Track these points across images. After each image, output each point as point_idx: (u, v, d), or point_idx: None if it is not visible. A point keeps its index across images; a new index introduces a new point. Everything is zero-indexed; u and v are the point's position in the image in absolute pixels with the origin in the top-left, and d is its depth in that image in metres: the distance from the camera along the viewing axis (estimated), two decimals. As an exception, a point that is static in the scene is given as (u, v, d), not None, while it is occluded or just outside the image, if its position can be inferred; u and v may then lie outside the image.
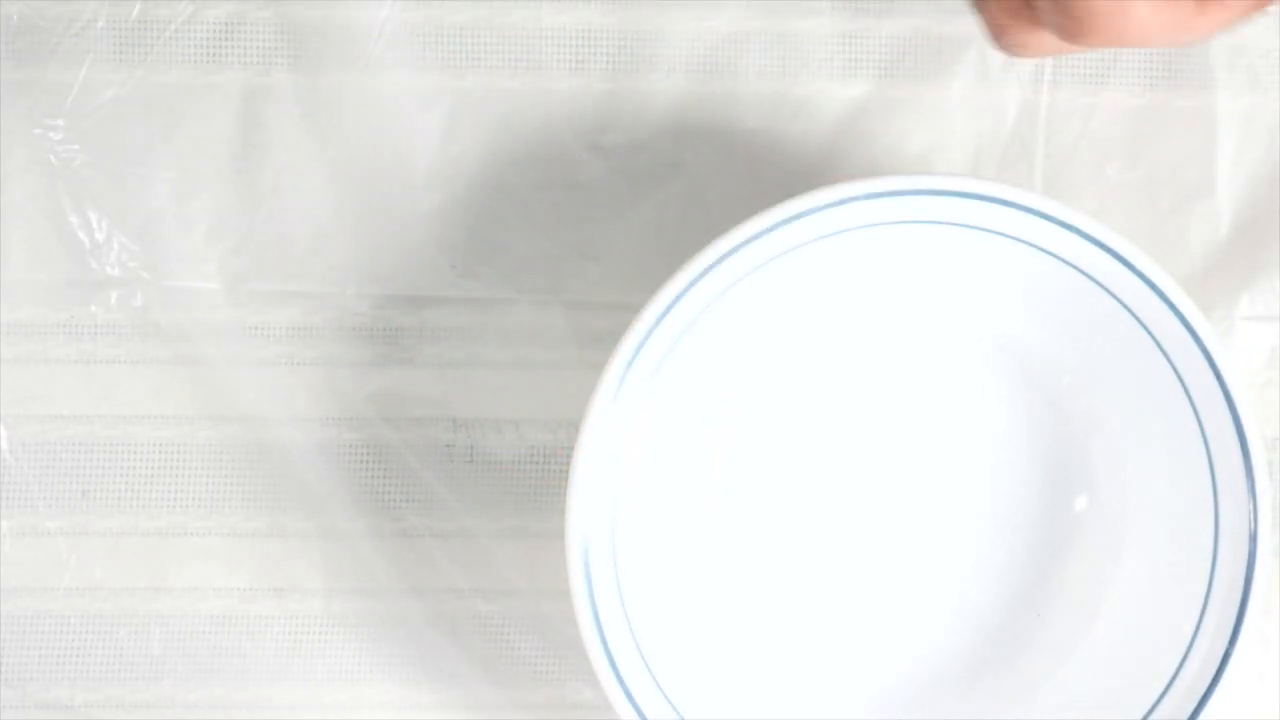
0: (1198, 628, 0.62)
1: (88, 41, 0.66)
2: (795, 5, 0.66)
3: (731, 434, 0.65)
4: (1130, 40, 0.50)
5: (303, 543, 0.67)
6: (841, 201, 0.61)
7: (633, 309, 0.62)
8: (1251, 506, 0.61)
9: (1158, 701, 0.62)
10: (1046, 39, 0.52)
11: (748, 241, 0.61)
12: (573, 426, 0.65)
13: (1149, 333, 0.62)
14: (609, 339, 0.63)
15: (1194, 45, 0.54)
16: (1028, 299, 0.63)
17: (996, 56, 0.66)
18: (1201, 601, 0.62)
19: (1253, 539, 0.61)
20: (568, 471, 0.61)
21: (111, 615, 0.66)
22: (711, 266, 0.61)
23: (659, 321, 0.61)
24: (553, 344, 0.66)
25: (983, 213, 0.61)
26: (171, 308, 0.66)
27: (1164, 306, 0.61)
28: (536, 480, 0.66)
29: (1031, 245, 0.62)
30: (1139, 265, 0.61)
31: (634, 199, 0.66)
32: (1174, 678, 0.62)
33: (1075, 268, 0.62)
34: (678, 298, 0.61)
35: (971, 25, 0.66)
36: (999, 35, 0.52)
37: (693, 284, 0.61)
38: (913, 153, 0.66)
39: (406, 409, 0.66)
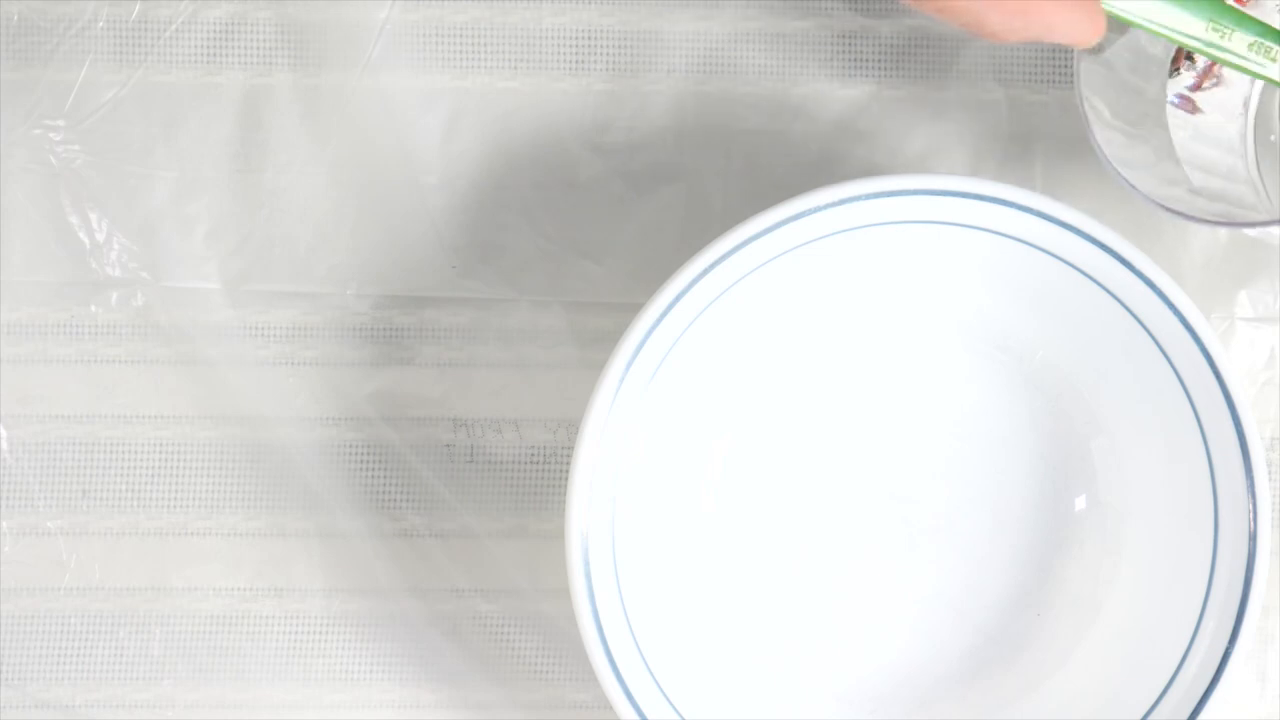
0: (1198, 628, 0.62)
1: (88, 41, 0.66)
2: (795, 5, 0.66)
3: (731, 434, 0.65)
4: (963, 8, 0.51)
5: (303, 543, 0.67)
6: (841, 201, 0.61)
7: (633, 309, 0.62)
8: (1251, 506, 0.61)
9: (1158, 701, 0.62)
10: None
11: (748, 241, 0.61)
12: (573, 426, 0.65)
13: (1149, 333, 0.62)
14: (609, 339, 0.63)
15: (996, 38, 0.53)
16: (1028, 299, 0.63)
17: (997, 56, 0.66)
18: (1201, 601, 0.62)
19: (1252, 539, 0.61)
20: (568, 471, 0.61)
21: (111, 615, 0.67)
22: (711, 266, 0.61)
23: (659, 321, 0.61)
24: (553, 344, 0.66)
25: (983, 213, 0.61)
26: (171, 308, 0.66)
27: (1164, 306, 0.61)
28: (536, 480, 0.66)
29: (1031, 245, 0.62)
30: (1139, 265, 0.61)
31: (634, 199, 0.66)
32: (1174, 678, 0.62)
33: (1075, 268, 0.62)
34: (678, 298, 0.61)
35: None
36: None
37: (693, 284, 0.61)
38: (913, 153, 0.66)
39: (406, 409, 0.66)
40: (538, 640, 0.66)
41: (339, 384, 0.66)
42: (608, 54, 0.66)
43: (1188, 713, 0.61)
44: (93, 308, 0.66)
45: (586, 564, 0.61)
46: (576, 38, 0.66)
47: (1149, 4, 0.57)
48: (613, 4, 0.66)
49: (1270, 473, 0.64)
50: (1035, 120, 0.66)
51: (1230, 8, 0.58)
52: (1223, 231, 0.66)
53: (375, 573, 0.66)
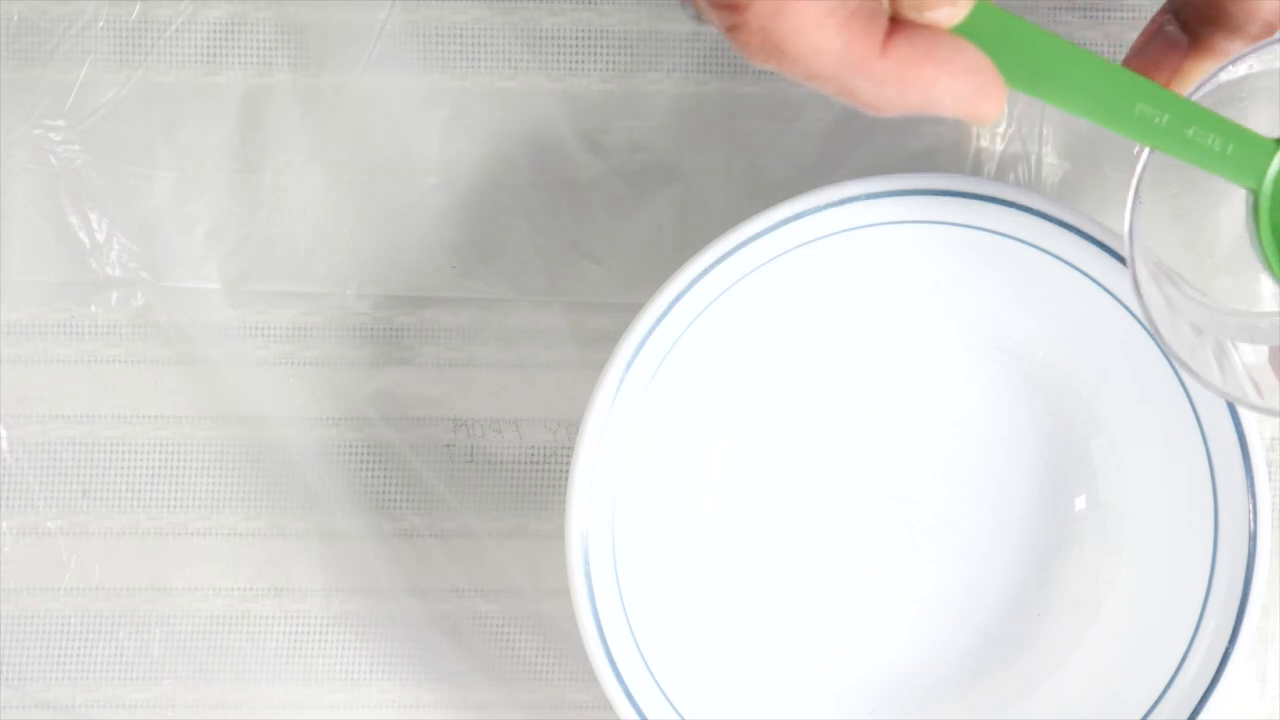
0: (1198, 628, 0.62)
1: (88, 41, 0.66)
2: (795, 5, 0.66)
3: (731, 434, 0.65)
4: (793, 53, 0.44)
5: (303, 543, 0.67)
6: (841, 201, 0.61)
7: (633, 309, 0.62)
8: (1251, 506, 0.61)
9: (1158, 701, 0.62)
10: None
11: (748, 241, 0.61)
12: (573, 426, 0.65)
13: (1149, 333, 0.62)
14: (609, 339, 0.63)
15: (873, 109, 0.46)
16: (1028, 299, 0.63)
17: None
18: (1201, 601, 0.62)
19: (1253, 539, 0.61)
20: (568, 471, 0.61)
21: (111, 615, 0.67)
22: (711, 266, 0.61)
23: (659, 321, 0.61)
24: (553, 344, 0.66)
25: (983, 213, 0.61)
26: (171, 308, 0.66)
27: (1164, 306, 0.61)
28: (536, 480, 0.66)
29: (1031, 245, 0.62)
30: (1139, 265, 0.61)
31: (634, 199, 0.66)
32: (1174, 678, 0.62)
33: (1075, 268, 0.62)
34: (678, 298, 0.61)
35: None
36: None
37: (693, 284, 0.61)
38: (913, 153, 0.66)
39: (406, 409, 0.66)
40: (538, 640, 0.66)
41: (339, 384, 0.66)
42: (608, 54, 0.66)
43: (1188, 713, 0.61)
44: (93, 308, 0.66)
45: (586, 564, 0.61)
46: (576, 38, 0.66)
47: (1063, 77, 0.49)
48: (613, 4, 0.66)
49: (1270, 473, 0.64)
50: (1035, 120, 0.66)
51: (1162, 90, 0.50)
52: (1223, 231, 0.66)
53: (375, 573, 0.66)
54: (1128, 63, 0.57)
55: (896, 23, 0.45)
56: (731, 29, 0.44)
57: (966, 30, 0.46)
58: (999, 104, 0.47)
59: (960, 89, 0.46)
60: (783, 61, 0.44)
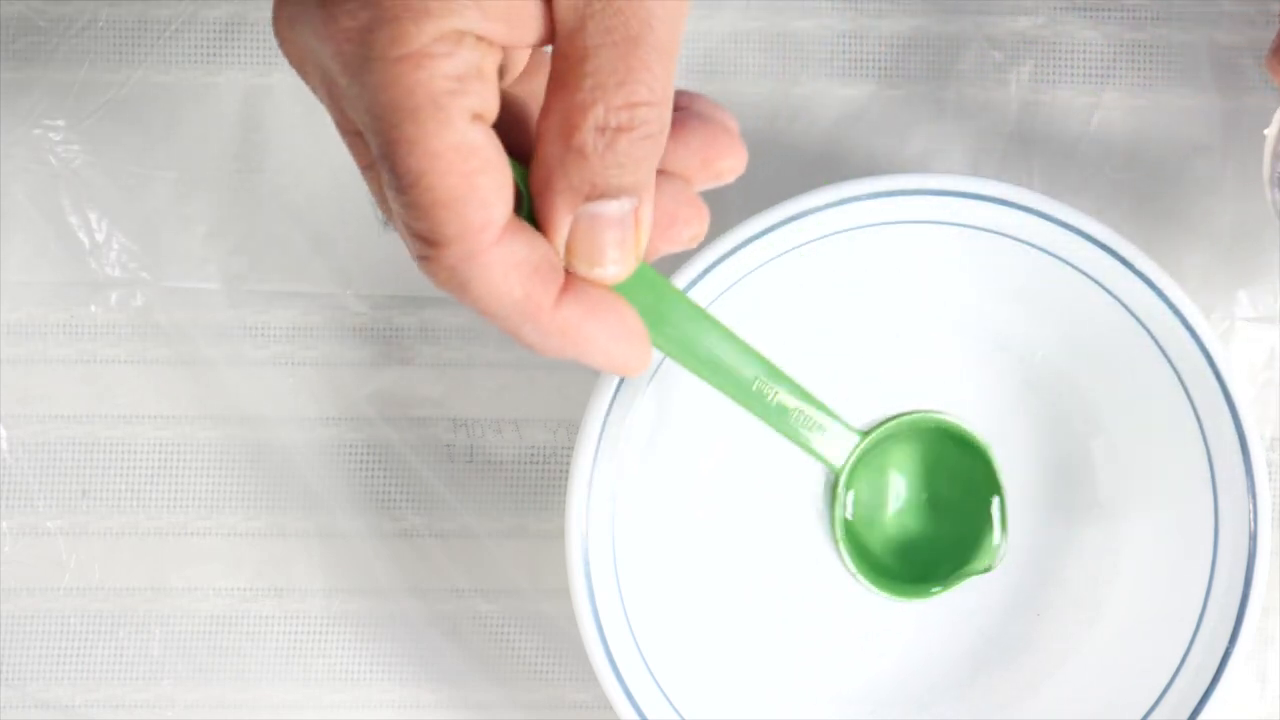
0: (1198, 628, 0.62)
1: (88, 41, 0.66)
2: (795, 5, 0.66)
3: (732, 433, 0.65)
4: (474, 294, 0.47)
5: (303, 543, 0.67)
6: (841, 201, 0.61)
7: (633, 309, 0.62)
8: (1251, 506, 0.61)
9: (1158, 701, 0.62)
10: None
11: (748, 241, 0.61)
12: (573, 426, 0.65)
13: (1149, 332, 0.62)
14: (609, 339, 0.63)
15: (535, 351, 0.49)
16: (1028, 299, 0.63)
17: (996, 56, 0.66)
18: (1201, 601, 0.62)
19: (1253, 539, 0.61)
20: (568, 471, 0.61)
21: (111, 615, 0.67)
22: (711, 266, 0.61)
23: (659, 321, 0.61)
24: (553, 344, 0.66)
25: (983, 213, 0.61)
26: (171, 308, 0.66)
27: (1164, 306, 0.61)
28: (536, 480, 0.66)
29: (1031, 245, 0.62)
30: (1139, 265, 0.61)
31: (634, 199, 0.66)
32: (1174, 678, 0.62)
33: (1075, 268, 0.62)
34: (678, 298, 0.61)
35: (971, 25, 0.66)
36: None
37: (693, 284, 0.61)
38: (913, 153, 0.66)
39: (406, 409, 0.66)
40: (538, 640, 0.66)
41: (339, 384, 0.66)
42: (608, 54, 0.66)
43: (1188, 713, 0.61)
44: (93, 308, 0.66)
45: (586, 564, 0.61)
46: (576, 38, 0.66)
47: (696, 347, 0.53)
48: (613, 4, 0.66)
49: (1270, 473, 0.64)
50: (1035, 120, 0.66)
51: (780, 373, 0.56)
52: (1223, 231, 0.66)
53: (375, 573, 0.66)
54: (1270, 59, 0.58)
55: (570, 276, 0.47)
56: (421, 259, 0.47)
57: (625, 288, 0.49)
58: (644, 364, 0.49)
59: (612, 350, 0.48)
60: (464, 298, 0.47)
